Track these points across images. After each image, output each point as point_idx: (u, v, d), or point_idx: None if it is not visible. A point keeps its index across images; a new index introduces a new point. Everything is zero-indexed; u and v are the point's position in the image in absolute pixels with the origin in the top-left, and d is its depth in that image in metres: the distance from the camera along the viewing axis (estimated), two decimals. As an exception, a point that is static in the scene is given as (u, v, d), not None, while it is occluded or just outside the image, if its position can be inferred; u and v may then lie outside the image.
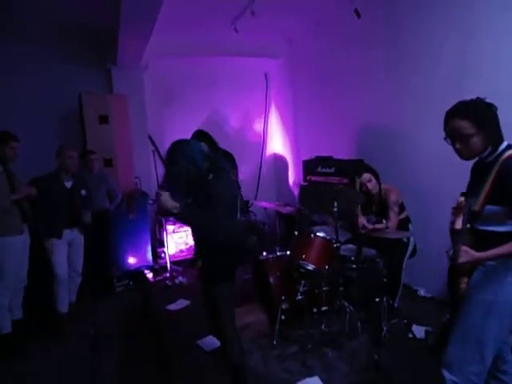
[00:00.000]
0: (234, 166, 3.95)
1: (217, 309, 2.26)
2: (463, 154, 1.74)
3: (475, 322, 1.72)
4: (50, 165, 3.50)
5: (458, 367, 1.75)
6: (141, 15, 3.47)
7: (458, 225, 1.55)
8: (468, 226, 1.72)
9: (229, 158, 4.00)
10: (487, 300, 1.70)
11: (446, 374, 1.77)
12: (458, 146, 1.72)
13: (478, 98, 1.73)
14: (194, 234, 2.44)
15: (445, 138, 1.77)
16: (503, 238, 1.63)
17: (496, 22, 2.94)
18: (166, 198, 2.08)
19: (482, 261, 1.67)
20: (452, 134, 1.73)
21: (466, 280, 1.59)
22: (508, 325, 1.74)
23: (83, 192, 3.59)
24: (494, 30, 2.96)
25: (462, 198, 1.58)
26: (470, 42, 3.16)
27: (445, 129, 1.77)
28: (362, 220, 3.30)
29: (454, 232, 1.61)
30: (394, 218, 3.14)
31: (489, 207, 1.66)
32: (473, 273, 1.69)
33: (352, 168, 3.93)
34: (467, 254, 1.63)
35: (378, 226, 3.17)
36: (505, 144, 1.70)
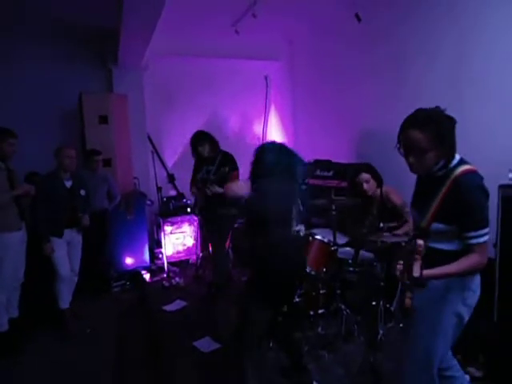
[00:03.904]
0: (235, 167, 3.96)
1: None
2: (414, 169, 1.66)
3: (425, 342, 1.72)
4: (49, 163, 3.50)
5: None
6: (143, 16, 3.49)
7: (417, 271, 1.41)
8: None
9: (229, 159, 4.01)
10: (431, 320, 1.69)
11: None
12: (410, 159, 1.63)
13: (437, 108, 1.63)
14: None
15: (398, 148, 1.67)
16: (449, 256, 1.59)
17: (492, 22, 2.98)
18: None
19: (429, 279, 1.58)
20: (407, 146, 1.63)
21: (410, 295, 1.56)
22: (451, 341, 1.74)
23: (82, 192, 3.59)
24: (490, 32, 3.00)
25: (421, 242, 1.43)
26: (466, 44, 3.19)
27: (399, 137, 1.65)
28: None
29: (409, 279, 1.45)
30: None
31: (436, 225, 1.61)
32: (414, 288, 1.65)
33: (351, 171, 3.94)
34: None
35: (398, 231, 3.05)
36: (457, 158, 1.63)
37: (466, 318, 1.70)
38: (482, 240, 1.55)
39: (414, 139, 1.58)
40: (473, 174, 1.57)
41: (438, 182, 1.61)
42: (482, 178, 1.59)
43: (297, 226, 2.27)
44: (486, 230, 1.56)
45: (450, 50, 3.34)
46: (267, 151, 2.33)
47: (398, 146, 1.67)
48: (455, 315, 1.68)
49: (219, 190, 3.75)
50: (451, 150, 1.61)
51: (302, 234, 2.35)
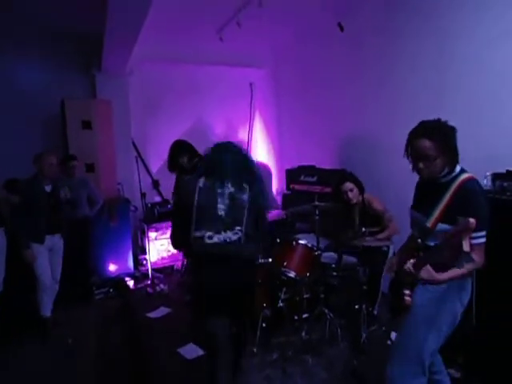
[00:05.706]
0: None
1: None
2: (424, 174, 1.78)
3: (417, 338, 1.81)
4: (30, 169, 3.45)
5: (401, 381, 1.83)
6: (127, 22, 3.49)
7: (467, 247, 1.39)
8: (419, 241, 1.77)
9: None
10: (428, 317, 1.79)
11: None
12: (421, 165, 1.75)
13: (439, 120, 1.75)
14: None
15: (407, 156, 1.79)
16: None
17: (470, 26, 3.09)
18: None
19: (438, 283, 1.66)
20: (416, 154, 1.75)
21: (408, 292, 1.63)
22: (443, 339, 1.83)
23: (62, 193, 3.54)
24: (467, 36, 3.11)
25: (473, 220, 1.38)
26: (446, 49, 3.29)
27: (407, 148, 1.78)
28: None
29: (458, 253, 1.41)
30: (393, 225, 3.14)
31: (441, 225, 1.71)
32: (414, 285, 1.72)
33: (335, 177, 3.99)
34: (428, 272, 1.62)
35: (380, 236, 3.12)
36: (459, 167, 1.77)
37: (459, 317, 1.81)
38: (481, 241, 1.66)
39: (423, 147, 1.71)
40: (475, 181, 1.72)
41: (443, 187, 1.73)
42: (481, 186, 1.74)
43: (204, 231, 2.09)
44: (484, 232, 1.66)
45: (429, 55, 3.44)
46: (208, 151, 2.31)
47: (406, 154, 1.79)
48: (451, 314, 1.79)
49: None
50: (455, 158, 1.74)
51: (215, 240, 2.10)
